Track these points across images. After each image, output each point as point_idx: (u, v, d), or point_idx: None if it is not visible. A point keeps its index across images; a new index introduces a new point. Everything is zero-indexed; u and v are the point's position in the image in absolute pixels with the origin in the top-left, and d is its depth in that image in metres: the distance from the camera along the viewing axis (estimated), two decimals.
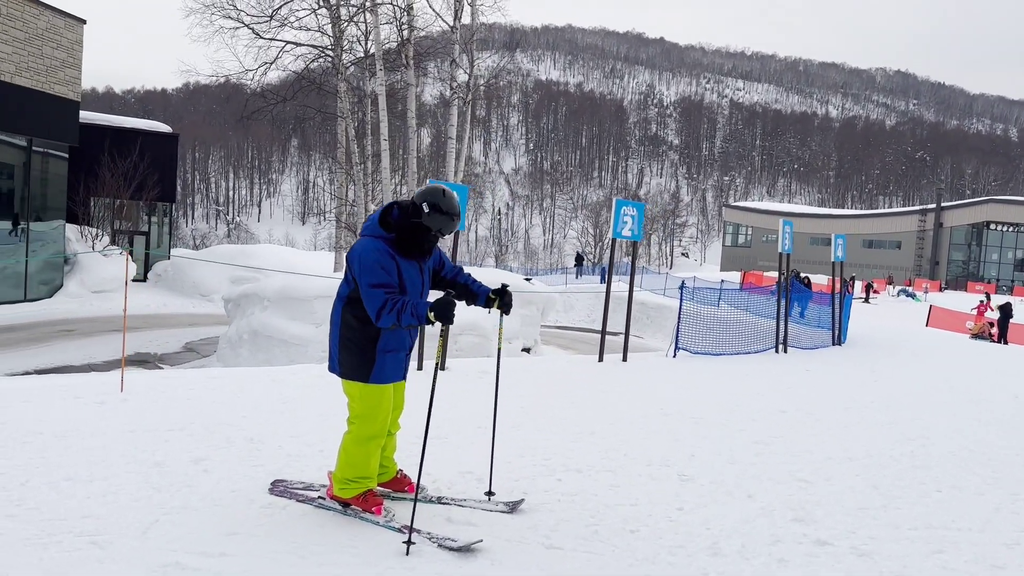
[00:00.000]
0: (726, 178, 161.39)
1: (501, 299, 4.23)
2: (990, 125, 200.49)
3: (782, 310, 12.96)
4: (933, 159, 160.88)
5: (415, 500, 3.90)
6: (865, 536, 4.06)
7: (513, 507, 4.30)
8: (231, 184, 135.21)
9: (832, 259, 14.79)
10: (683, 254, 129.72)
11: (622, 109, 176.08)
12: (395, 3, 22.71)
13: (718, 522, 4.19)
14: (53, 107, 21.41)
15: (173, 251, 31.06)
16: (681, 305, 11.50)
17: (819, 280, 29.21)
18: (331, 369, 4.14)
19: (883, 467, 5.51)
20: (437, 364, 4.08)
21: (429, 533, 3.83)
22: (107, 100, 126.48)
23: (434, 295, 4.07)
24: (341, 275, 20.54)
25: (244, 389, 7.33)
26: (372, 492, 4.12)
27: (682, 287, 11.81)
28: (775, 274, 43.17)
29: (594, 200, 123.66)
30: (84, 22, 22.86)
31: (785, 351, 12.92)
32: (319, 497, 4.26)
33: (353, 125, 24.98)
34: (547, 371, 9.44)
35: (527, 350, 17.03)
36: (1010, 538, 4.13)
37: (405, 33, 22.35)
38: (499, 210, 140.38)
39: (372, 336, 3.98)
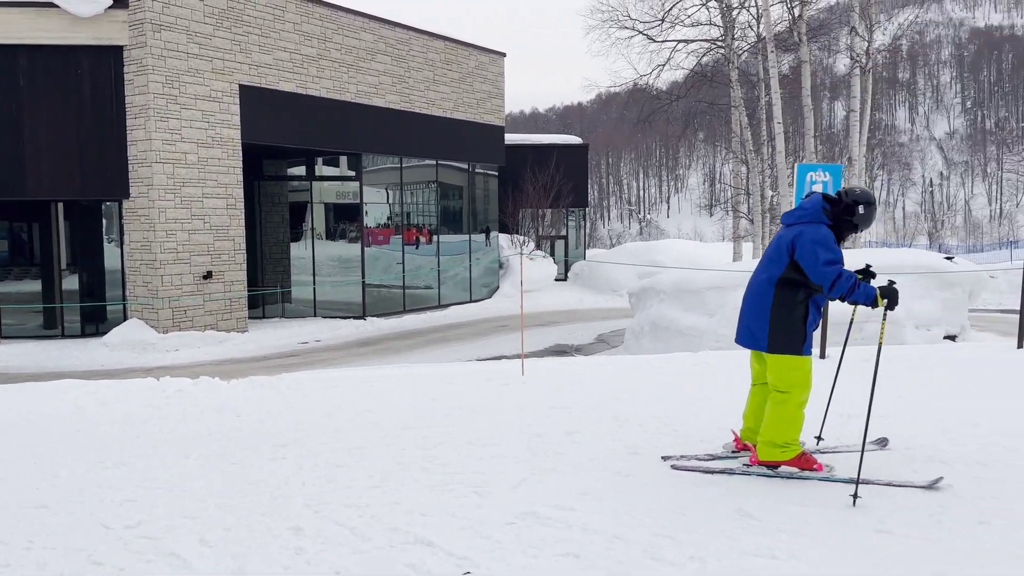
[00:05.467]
0: None
1: (867, 278, 4.59)
2: None
3: None
4: None
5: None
6: None
7: (882, 443, 5.02)
8: (641, 183, 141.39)
9: None
10: None
11: None
12: None
13: None
14: (484, 134, 24.98)
15: (588, 252, 33.89)
16: None
17: None
18: (753, 346, 4.70)
19: None
20: (880, 345, 4.55)
21: (878, 480, 4.40)
22: (532, 120, 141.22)
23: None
24: (735, 266, 20.53)
25: (624, 374, 8.07)
26: (806, 453, 4.61)
27: None
28: None
29: None
30: (504, 55, 26.21)
31: None
32: (744, 465, 4.74)
33: (746, 112, 24.84)
34: (949, 360, 8.61)
35: (951, 337, 15.37)
36: None
37: (797, 10, 21.59)
38: (930, 181, 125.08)
39: (802, 315, 4.52)
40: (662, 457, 4.98)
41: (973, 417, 5.81)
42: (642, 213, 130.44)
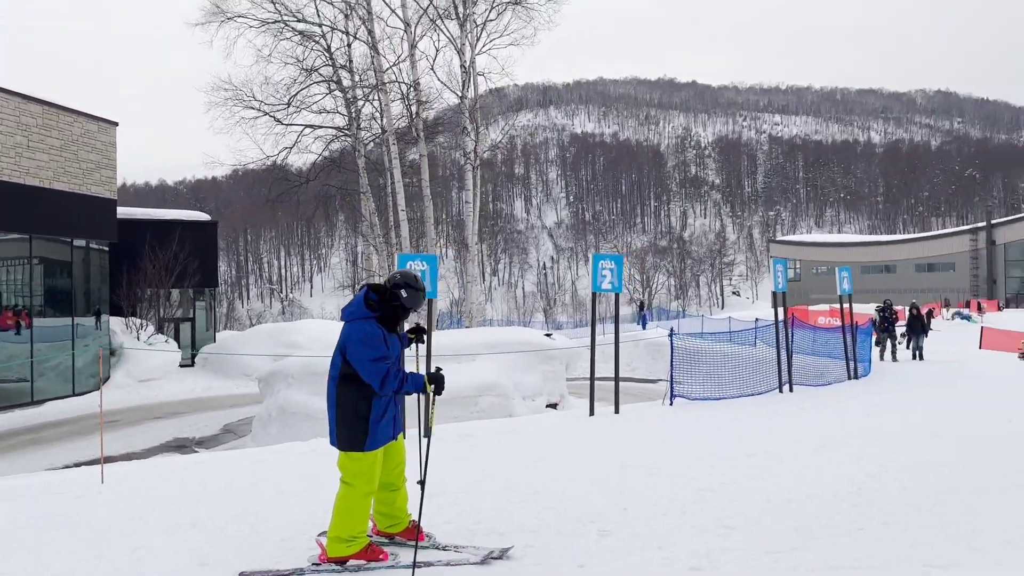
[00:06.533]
0: (771, 213, 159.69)
1: (418, 336, 4.98)
2: None
3: (783, 345, 12.81)
4: (983, 176, 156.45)
5: (419, 546, 4.56)
6: None
7: (502, 553, 4.79)
8: (283, 262, 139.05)
9: (838, 292, 14.62)
10: (734, 293, 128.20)
11: (659, 154, 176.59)
12: (402, 81, 23.65)
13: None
14: (91, 207, 22.60)
15: (220, 334, 31.97)
16: (672, 352, 11.47)
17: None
18: (332, 443, 4.68)
19: (819, 508, 5.48)
20: (420, 430, 4.77)
21: (437, 561, 4.54)
22: (160, 192, 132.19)
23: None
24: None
25: (220, 473, 7.60)
26: (372, 544, 4.60)
27: (671, 334, 11.79)
28: (822, 307, 42.40)
29: (638, 246, 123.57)
30: (116, 124, 24.19)
31: (791, 390, 12.74)
32: (313, 565, 4.57)
33: (374, 199, 25.78)
34: (533, 432, 9.53)
35: (553, 405, 16.99)
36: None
37: (415, 108, 23.21)
38: (544, 264, 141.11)
39: (364, 412, 4.52)
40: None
41: (535, 484, 6.44)
42: (284, 292, 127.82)
